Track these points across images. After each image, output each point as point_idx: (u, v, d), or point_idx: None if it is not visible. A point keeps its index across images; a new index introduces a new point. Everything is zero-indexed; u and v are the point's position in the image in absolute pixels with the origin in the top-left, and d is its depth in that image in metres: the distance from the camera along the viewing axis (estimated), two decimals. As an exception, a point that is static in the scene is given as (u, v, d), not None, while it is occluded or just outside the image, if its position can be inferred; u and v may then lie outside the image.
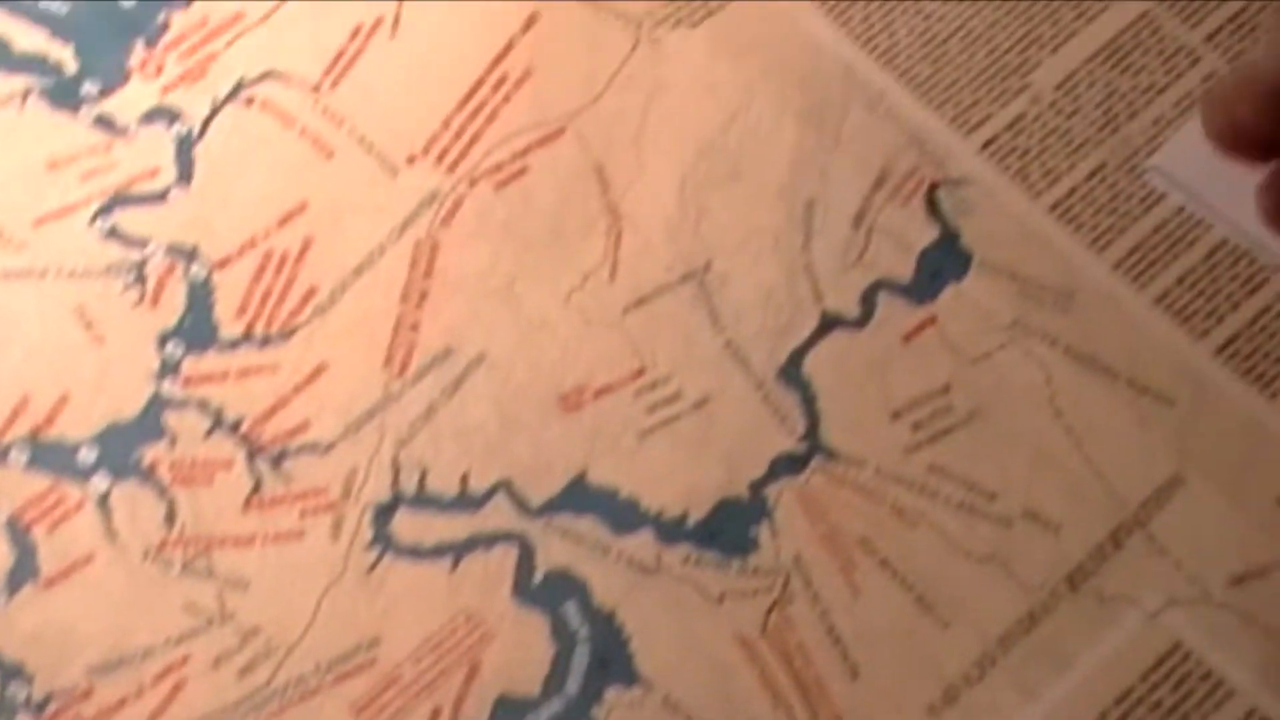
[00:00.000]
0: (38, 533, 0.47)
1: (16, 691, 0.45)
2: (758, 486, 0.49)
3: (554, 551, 0.48)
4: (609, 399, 0.50)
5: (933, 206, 0.53)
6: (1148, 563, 0.48)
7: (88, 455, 0.47)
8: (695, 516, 0.49)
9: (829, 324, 0.51)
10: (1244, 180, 0.52)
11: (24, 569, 0.46)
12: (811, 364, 0.51)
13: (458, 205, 0.53)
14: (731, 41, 0.55)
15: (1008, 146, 0.54)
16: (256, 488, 0.48)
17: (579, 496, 0.49)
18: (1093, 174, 0.54)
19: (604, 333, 0.51)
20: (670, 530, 0.48)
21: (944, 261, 0.52)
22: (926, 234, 0.53)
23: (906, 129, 0.54)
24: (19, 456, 0.47)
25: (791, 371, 0.51)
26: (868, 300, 0.52)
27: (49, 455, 0.47)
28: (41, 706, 0.45)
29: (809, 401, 0.50)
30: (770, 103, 0.54)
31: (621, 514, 0.48)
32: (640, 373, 0.50)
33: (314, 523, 0.48)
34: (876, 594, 0.48)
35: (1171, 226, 0.53)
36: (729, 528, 0.48)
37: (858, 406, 0.50)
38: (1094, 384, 0.50)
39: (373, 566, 0.47)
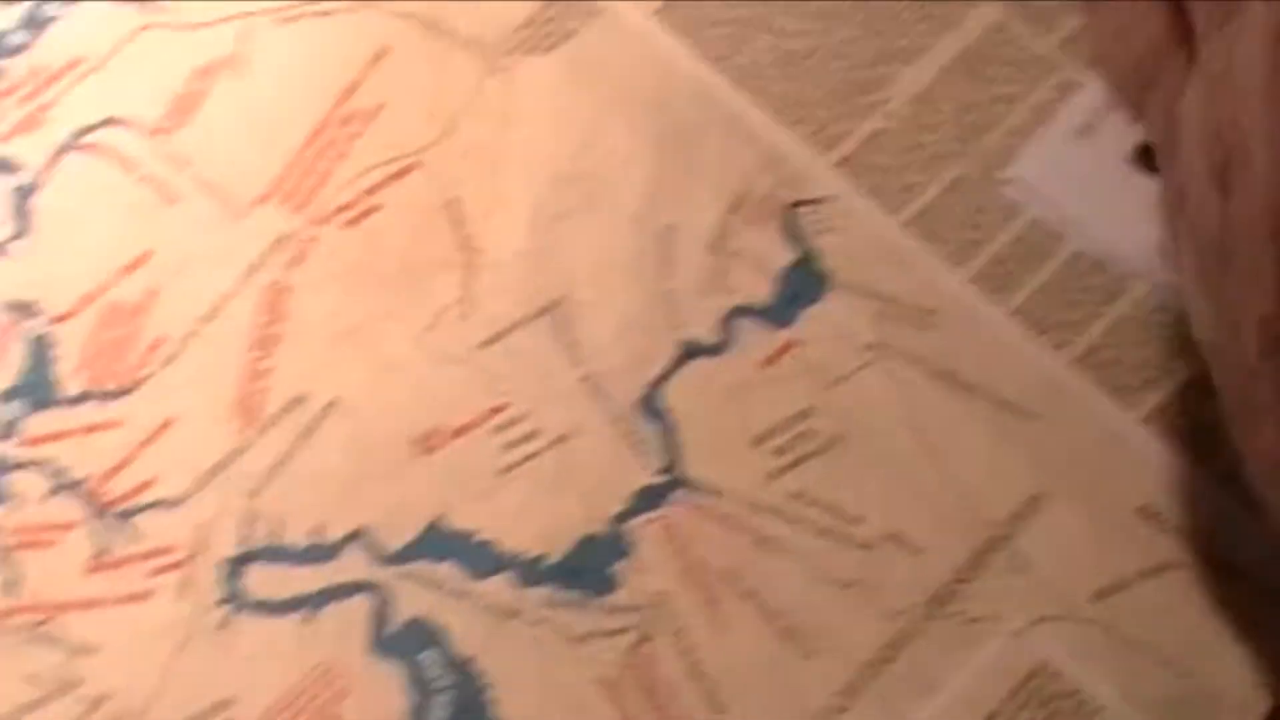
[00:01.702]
0: (-128, 607, 0.45)
1: None
2: (618, 522, 0.48)
3: (411, 599, 0.47)
4: (465, 439, 0.49)
5: (790, 227, 0.53)
6: (1011, 581, 0.47)
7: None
8: (555, 556, 0.48)
9: (688, 353, 0.51)
10: (1097, 189, 0.51)
11: None
12: (671, 394, 0.50)
13: (307, 247, 0.52)
14: (584, 67, 0.55)
15: (865, 163, 0.54)
16: (102, 549, 0.47)
17: (436, 542, 0.48)
18: (950, 188, 0.53)
19: (459, 371, 0.50)
20: (530, 571, 0.48)
21: (803, 283, 0.52)
22: (784, 256, 0.52)
23: (763, 150, 0.54)
24: None
25: (651, 403, 0.50)
26: (727, 326, 0.51)
27: (-117, 525, 0.46)
28: (-121, 788, 0.44)
29: (669, 433, 0.50)
30: (624, 128, 0.54)
31: (480, 557, 0.48)
32: (497, 411, 0.50)
33: (162, 582, 0.47)
34: (740, 627, 0.47)
35: (1030, 238, 0.52)
36: (590, 566, 0.48)
37: (718, 436, 0.50)
38: (954, 402, 0.50)
39: (223, 624, 0.46)
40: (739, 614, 0.47)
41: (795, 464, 0.49)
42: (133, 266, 0.50)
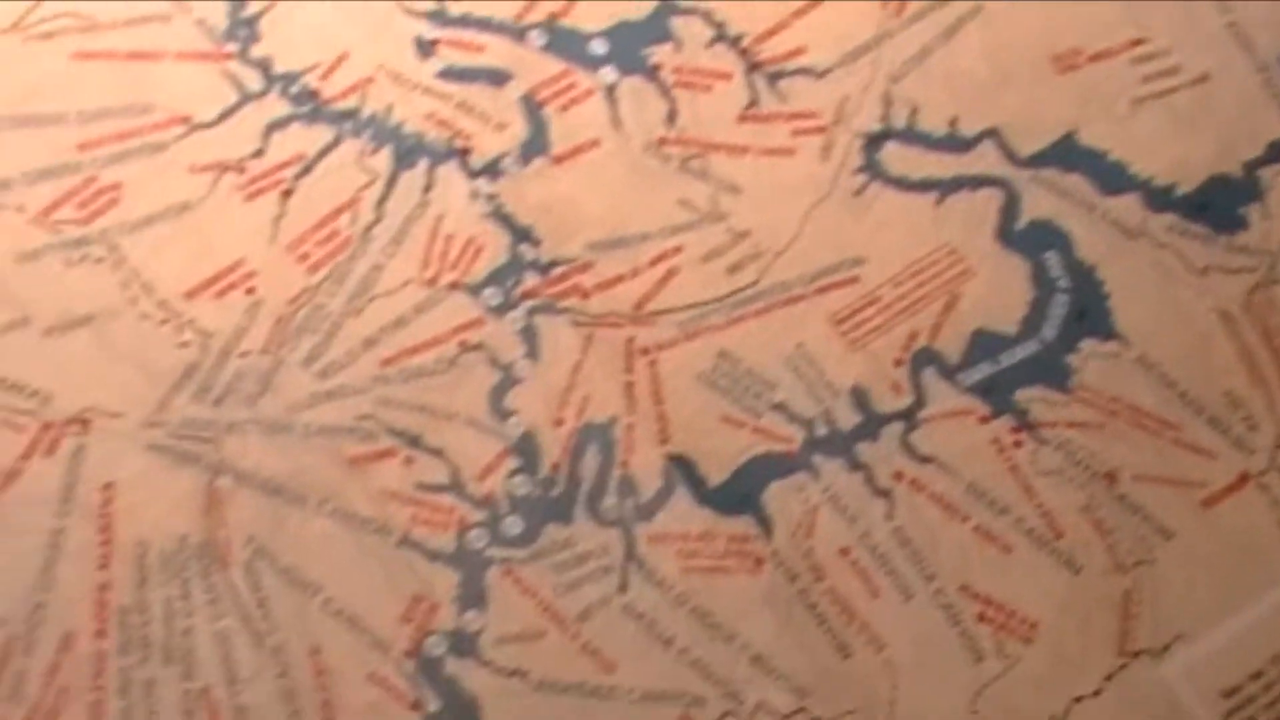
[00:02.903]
0: (550, 111, 0.48)
1: (525, 252, 0.47)
2: (1252, 167, 0.48)
3: (1039, 202, 0.48)
4: (1104, 65, 0.49)
5: None
6: None
7: (599, 47, 0.49)
8: (1184, 188, 0.48)
9: (1342, 18, 0.49)
10: None
11: (536, 143, 0.48)
12: (1320, 55, 0.49)
13: None
14: None
15: None
16: (752, 102, 0.49)
17: (1068, 153, 0.48)
18: None
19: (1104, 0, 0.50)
20: (1158, 198, 0.48)
21: None
22: None
23: None
24: (537, 39, 0.49)
25: (1298, 60, 0.49)
26: (1387, 0, 0.50)
27: (564, 41, 0.49)
28: (546, 270, 0.47)
29: (1313, 91, 0.49)
30: None
31: (1109, 176, 0.48)
32: (1138, 43, 0.49)
33: (805, 142, 0.48)
34: (1367, 287, 0.47)
35: None
36: (1218, 203, 0.48)
37: (1364, 103, 0.49)
38: None
39: (860, 190, 0.48)
40: (1367, 275, 0.47)
41: None
42: None
